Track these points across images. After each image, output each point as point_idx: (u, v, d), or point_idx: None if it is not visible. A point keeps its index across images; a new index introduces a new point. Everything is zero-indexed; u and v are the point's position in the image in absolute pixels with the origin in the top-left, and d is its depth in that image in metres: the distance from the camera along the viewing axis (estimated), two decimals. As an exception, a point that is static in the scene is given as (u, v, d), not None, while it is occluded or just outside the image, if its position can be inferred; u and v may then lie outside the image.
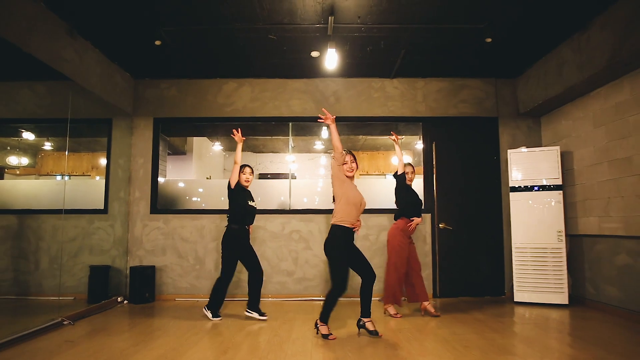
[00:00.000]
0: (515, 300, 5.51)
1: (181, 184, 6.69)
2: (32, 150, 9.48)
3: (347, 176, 3.91)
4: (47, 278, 5.92)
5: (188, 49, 5.30)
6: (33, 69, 4.56)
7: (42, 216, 6.02)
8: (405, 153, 9.98)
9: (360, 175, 10.86)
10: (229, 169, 11.29)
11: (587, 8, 4.43)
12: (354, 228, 3.88)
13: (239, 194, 4.66)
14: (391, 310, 4.77)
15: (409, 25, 4.68)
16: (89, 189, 6.64)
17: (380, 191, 6.26)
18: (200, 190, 6.74)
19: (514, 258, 5.56)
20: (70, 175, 10.14)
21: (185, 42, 5.12)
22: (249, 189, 4.82)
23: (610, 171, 4.86)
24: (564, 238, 5.34)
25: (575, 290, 5.53)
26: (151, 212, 6.10)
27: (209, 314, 4.66)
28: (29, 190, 6.67)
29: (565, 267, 5.30)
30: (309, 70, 5.88)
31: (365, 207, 4.02)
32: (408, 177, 4.96)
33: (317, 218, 6.05)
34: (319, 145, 9.77)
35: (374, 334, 3.89)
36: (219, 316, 4.67)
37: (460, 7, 4.38)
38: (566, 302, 5.27)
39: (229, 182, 4.65)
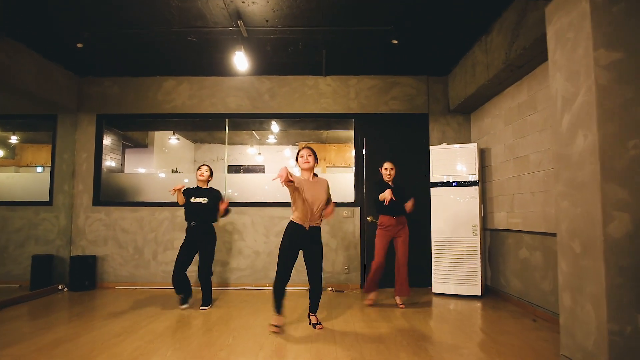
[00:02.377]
0: (434, 291, 5.75)
1: (134, 177, 6.97)
2: (10, 143, 9.79)
3: (302, 169, 4.08)
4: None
5: (117, 50, 5.54)
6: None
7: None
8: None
9: (327, 167, 11.10)
10: (199, 160, 11.58)
11: (488, 12, 4.61)
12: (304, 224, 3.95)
13: (187, 193, 4.95)
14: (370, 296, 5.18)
15: (318, 27, 4.88)
16: (36, 181, 6.93)
17: (346, 183, 6.54)
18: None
19: (433, 251, 5.80)
20: (43, 167, 10.48)
21: (111, 44, 5.36)
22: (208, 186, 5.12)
23: (515, 168, 5.07)
24: (478, 232, 5.56)
25: (493, 282, 5.76)
26: (94, 204, 6.40)
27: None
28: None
29: (479, 260, 5.52)
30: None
31: (333, 200, 4.24)
32: (387, 173, 5.08)
33: (251, 210, 6.31)
34: (273, 139, 9.98)
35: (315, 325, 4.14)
36: (184, 304, 4.97)
37: (363, 12, 4.57)
38: (479, 293, 5.50)
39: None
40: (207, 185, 5.08)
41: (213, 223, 4.99)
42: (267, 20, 4.74)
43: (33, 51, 5.50)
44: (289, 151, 11.13)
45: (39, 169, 10.14)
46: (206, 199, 4.91)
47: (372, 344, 3.62)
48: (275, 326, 3.99)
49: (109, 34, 5.02)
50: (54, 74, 5.96)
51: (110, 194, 6.61)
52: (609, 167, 2.70)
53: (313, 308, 4.18)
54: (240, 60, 5.02)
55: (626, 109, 2.72)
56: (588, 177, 2.83)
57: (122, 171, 7.48)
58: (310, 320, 4.20)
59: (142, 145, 9.19)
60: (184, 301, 4.97)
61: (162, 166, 9.53)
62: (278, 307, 4.01)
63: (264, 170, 11.22)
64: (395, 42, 4.96)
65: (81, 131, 6.51)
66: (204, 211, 4.89)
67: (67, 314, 4.73)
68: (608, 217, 2.67)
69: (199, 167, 5.10)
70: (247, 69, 5.57)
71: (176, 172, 10.19)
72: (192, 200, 4.87)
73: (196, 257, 4.96)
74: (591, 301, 2.77)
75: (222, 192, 5.29)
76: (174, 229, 6.30)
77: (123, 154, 8.11)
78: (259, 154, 11.10)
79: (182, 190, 4.91)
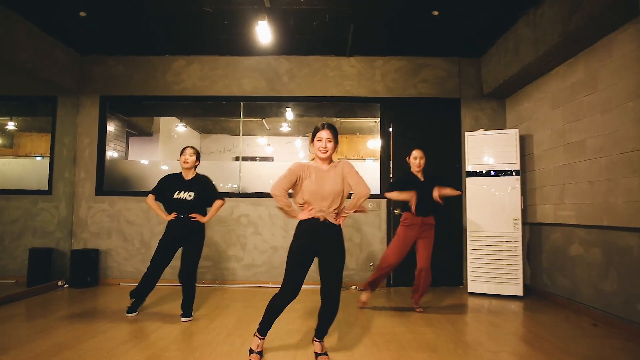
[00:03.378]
0: (469, 290, 5.26)
1: (139, 165, 6.47)
2: (7, 129, 9.25)
3: (318, 157, 3.00)
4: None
5: (120, 23, 5.02)
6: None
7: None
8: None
9: (338, 159, 10.56)
10: (205, 151, 11.04)
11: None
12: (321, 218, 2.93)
13: (167, 185, 4.06)
14: (362, 296, 4.48)
15: (349, -4, 4.37)
16: (34, 168, 6.43)
17: (371, 173, 6.00)
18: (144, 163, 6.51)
19: (468, 246, 5.31)
20: (42, 156, 9.97)
21: (115, 15, 4.82)
22: (195, 174, 4.10)
23: (566, 156, 4.56)
24: (520, 226, 5.07)
25: (533, 281, 5.26)
26: (97, 194, 5.89)
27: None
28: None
29: (520, 257, 5.03)
30: (262, 47, 5.56)
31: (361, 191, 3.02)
32: (416, 163, 4.33)
33: (267, 202, 5.80)
34: (286, 127, 9.41)
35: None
36: (132, 312, 4.10)
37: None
38: (521, 293, 5.00)
39: None
40: (193, 173, 4.09)
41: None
42: (294, -13, 4.22)
43: (30, 23, 4.96)
44: (300, 142, 10.61)
45: (38, 158, 9.63)
46: (192, 194, 3.96)
47: (423, 352, 3.13)
48: (255, 353, 2.99)
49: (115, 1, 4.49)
50: (54, 51, 5.44)
51: (112, 183, 6.10)
52: None
53: (319, 333, 3.03)
54: (263, 32, 4.50)
55: None
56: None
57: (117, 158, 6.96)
58: (314, 346, 3.06)
59: (147, 133, 8.66)
60: (134, 309, 4.12)
61: (167, 156, 9.00)
62: (267, 327, 3.03)
63: (273, 161, 10.71)
64: (436, 13, 4.43)
65: (83, 114, 5.99)
66: (190, 209, 3.98)
67: (67, 315, 4.21)
68: None
69: (183, 151, 4.06)
70: (268, 43, 5.05)
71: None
72: (174, 196, 3.95)
73: (178, 255, 4.09)
74: None
75: (215, 183, 4.24)
76: (183, 221, 5.79)
77: (127, 142, 7.61)
78: (269, 144, 10.57)
79: (162, 185, 4.06)
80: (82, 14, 4.51)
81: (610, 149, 3.87)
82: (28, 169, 6.58)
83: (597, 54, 4.06)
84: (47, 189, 5.89)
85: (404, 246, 4.26)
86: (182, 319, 3.94)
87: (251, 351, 3.00)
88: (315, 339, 3.05)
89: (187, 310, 4.00)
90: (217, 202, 4.10)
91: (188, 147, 4.10)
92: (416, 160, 4.33)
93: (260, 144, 10.57)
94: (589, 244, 4.21)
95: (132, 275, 5.76)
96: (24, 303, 4.68)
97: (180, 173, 4.09)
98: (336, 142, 3.00)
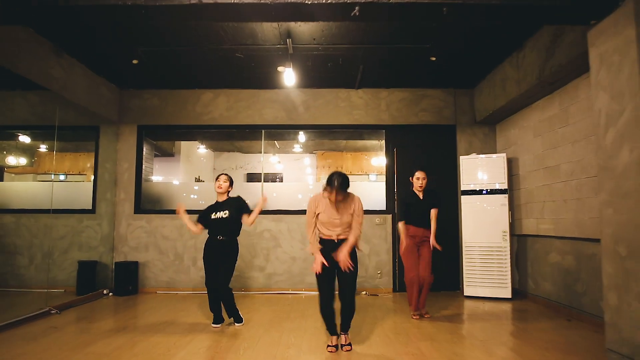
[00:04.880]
0: (465, 294, 6.03)
1: (164, 185, 7.23)
2: (30, 151, 9.98)
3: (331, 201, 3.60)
4: (40, 272, 6.49)
5: (165, 65, 5.84)
6: (24, 83, 5.10)
7: (35, 215, 6.60)
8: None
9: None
10: (219, 169, 11.83)
11: (520, 31, 4.93)
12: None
13: (206, 213, 4.51)
14: (415, 317, 4.83)
15: (361, 45, 5.19)
16: (79, 190, 7.19)
17: (362, 192, 6.75)
18: (176, 183, 7.28)
19: (463, 255, 6.08)
20: (66, 174, 10.70)
21: (161, 60, 5.66)
22: (229, 196, 4.54)
23: (545, 177, 5.36)
24: (508, 238, 5.85)
25: (521, 285, 6.04)
26: (135, 212, 6.66)
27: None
28: (25, 190, 7.27)
29: (508, 264, 5.81)
30: (280, 82, 6.36)
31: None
32: (418, 183, 4.87)
33: (287, 218, 6.59)
34: (298, 148, 10.24)
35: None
36: (218, 323, 4.52)
37: (405, 31, 4.89)
38: (509, 295, 5.77)
39: None
40: (226, 197, 4.51)
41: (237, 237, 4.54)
42: (314, 39, 5.04)
43: (85, 66, 5.79)
44: (308, 159, 11.42)
45: (62, 177, 10.37)
46: (227, 212, 4.39)
47: (426, 341, 3.89)
48: (332, 346, 3.68)
49: (162, 50, 5.31)
50: (100, 88, 6.25)
51: (145, 201, 6.86)
52: (655, 178, 2.99)
53: (343, 327, 3.77)
54: (289, 77, 5.32)
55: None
56: (633, 188, 3.12)
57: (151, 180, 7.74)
58: (340, 339, 3.79)
59: (168, 154, 9.45)
60: (217, 321, 4.54)
61: (187, 175, 9.80)
62: (329, 328, 3.76)
63: (282, 179, 11.49)
64: (434, 59, 5.26)
65: (123, 141, 6.79)
66: (227, 225, 4.40)
67: (116, 322, 4.96)
68: (656, 224, 2.95)
69: (217, 177, 4.52)
70: (292, 83, 5.87)
71: (199, 180, 10.47)
72: (212, 217, 4.42)
73: None
74: (638, 299, 3.05)
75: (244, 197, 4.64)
76: (212, 235, 6.56)
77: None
78: (279, 162, 11.36)
79: (204, 213, 4.52)
80: (135, 62, 5.34)
81: (578, 174, 4.67)
82: (72, 190, 7.32)
83: (568, 94, 4.88)
84: (91, 208, 6.67)
85: (412, 256, 4.76)
86: (236, 324, 4.53)
87: (328, 346, 3.71)
88: (341, 332, 3.78)
89: (236, 316, 4.54)
90: (244, 217, 4.45)
91: (222, 174, 4.55)
92: (419, 180, 4.86)
93: (271, 162, 11.34)
94: (564, 252, 5.00)
95: (167, 284, 6.53)
96: (81, 308, 5.43)
97: (216, 201, 4.51)
98: (346, 194, 3.60)
